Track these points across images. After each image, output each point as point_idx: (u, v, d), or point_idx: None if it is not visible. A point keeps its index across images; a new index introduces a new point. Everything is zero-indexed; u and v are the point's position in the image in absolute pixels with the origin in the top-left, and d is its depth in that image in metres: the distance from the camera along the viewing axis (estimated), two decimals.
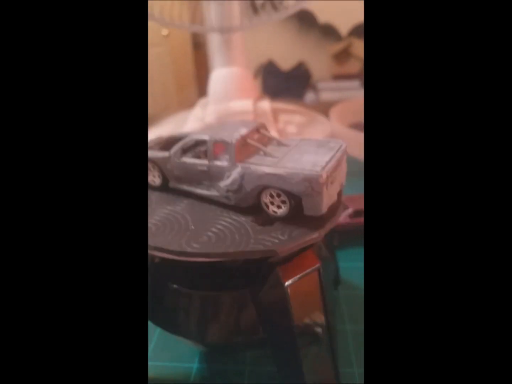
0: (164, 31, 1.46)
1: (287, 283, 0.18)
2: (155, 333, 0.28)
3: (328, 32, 1.40)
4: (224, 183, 0.20)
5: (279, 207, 0.19)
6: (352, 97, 0.81)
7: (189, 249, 0.17)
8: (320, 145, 0.21)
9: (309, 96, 1.44)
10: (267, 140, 0.22)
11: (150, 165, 0.23)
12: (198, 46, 1.62)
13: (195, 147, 0.23)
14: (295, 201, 0.18)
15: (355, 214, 0.35)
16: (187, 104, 0.61)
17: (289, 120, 0.53)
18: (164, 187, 0.23)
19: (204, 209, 0.21)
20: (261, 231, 0.18)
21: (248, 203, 0.20)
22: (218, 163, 0.20)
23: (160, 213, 0.21)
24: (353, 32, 1.35)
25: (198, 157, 0.22)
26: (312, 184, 0.17)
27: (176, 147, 0.22)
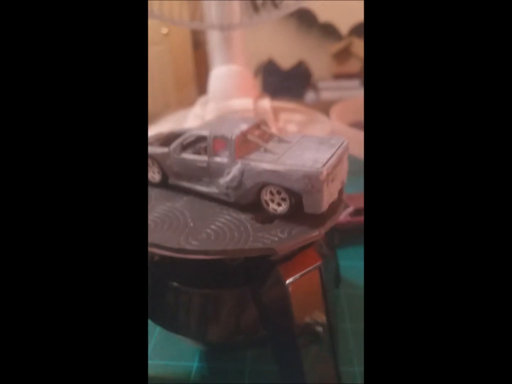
0: (164, 30, 1.46)
1: (288, 281, 0.18)
2: (155, 332, 0.27)
3: (329, 31, 1.40)
4: (223, 180, 0.20)
5: (279, 204, 0.19)
6: (353, 96, 0.81)
7: (187, 246, 0.17)
8: (322, 142, 0.20)
9: (309, 96, 1.44)
10: (268, 137, 0.22)
11: (149, 161, 0.23)
12: (198, 45, 1.61)
13: (195, 143, 0.23)
14: (295, 199, 0.18)
15: (356, 212, 0.35)
16: (187, 102, 0.61)
17: (290, 119, 0.53)
18: (164, 184, 0.23)
19: (203, 206, 0.21)
20: (260, 229, 0.18)
21: (248, 200, 0.20)
22: (217, 159, 0.20)
23: (159, 209, 0.20)
24: (354, 31, 1.35)
25: (198, 153, 0.22)
26: (312, 181, 0.17)
27: (175, 143, 0.22)
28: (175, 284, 0.21)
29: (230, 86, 0.50)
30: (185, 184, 0.22)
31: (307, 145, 0.20)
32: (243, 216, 0.19)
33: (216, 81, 0.51)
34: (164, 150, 0.22)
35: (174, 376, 0.24)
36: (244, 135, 0.20)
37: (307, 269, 0.18)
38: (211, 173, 0.21)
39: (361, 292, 0.30)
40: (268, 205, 0.19)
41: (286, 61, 1.47)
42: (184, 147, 0.22)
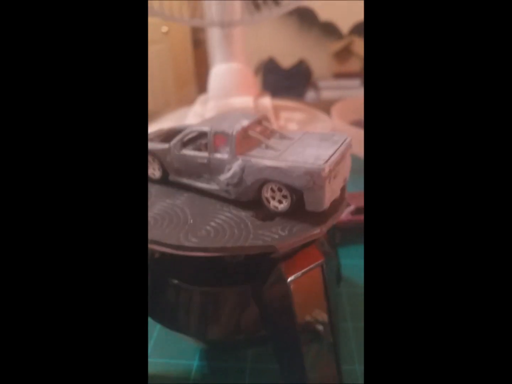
0: (164, 28, 1.46)
1: (289, 279, 0.18)
2: (155, 330, 0.27)
3: (329, 30, 1.40)
4: (224, 176, 0.20)
5: (280, 202, 0.19)
6: (353, 95, 0.81)
7: (186, 243, 0.17)
8: (324, 138, 0.20)
9: (310, 95, 1.44)
10: (270, 133, 0.21)
11: (150, 158, 0.23)
12: (198, 43, 1.61)
13: (196, 139, 0.23)
14: (297, 196, 0.18)
15: (357, 211, 0.35)
16: (187, 101, 0.60)
17: (290, 117, 0.52)
18: (164, 180, 0.23)
19: (204, 203, 0.20)
20: (261, 226, 0.18)
21: (249, 197, 0.20)
22: (218, 155, 0.20)
23: (159, 206, 0.20)
24: (354, 30, 1.35)
25: (198, 149, 0.22)
26: (314, 178, 0.17)
27: (176, 139, 0.22)
28: (175, 281, 0.21)
29: (230, 84, 0.50)
30: (186, 180, 0.22)
31: (309, 141, 0.20)
32: (243, 213, 0.19)
33: (216, 79, 0.51)
34: (165, 146, 0.22)
35: (174, 374, 0.24)
36: (245, 131, 0.20)
37: (309, 267, 0.18)
38: (211, 169, 0.20)
39: (362, 290, 0.30)
40: (269, 202, 0.19)
41: (286, 60, 1.47)
42: (185, 143, 0.22)
